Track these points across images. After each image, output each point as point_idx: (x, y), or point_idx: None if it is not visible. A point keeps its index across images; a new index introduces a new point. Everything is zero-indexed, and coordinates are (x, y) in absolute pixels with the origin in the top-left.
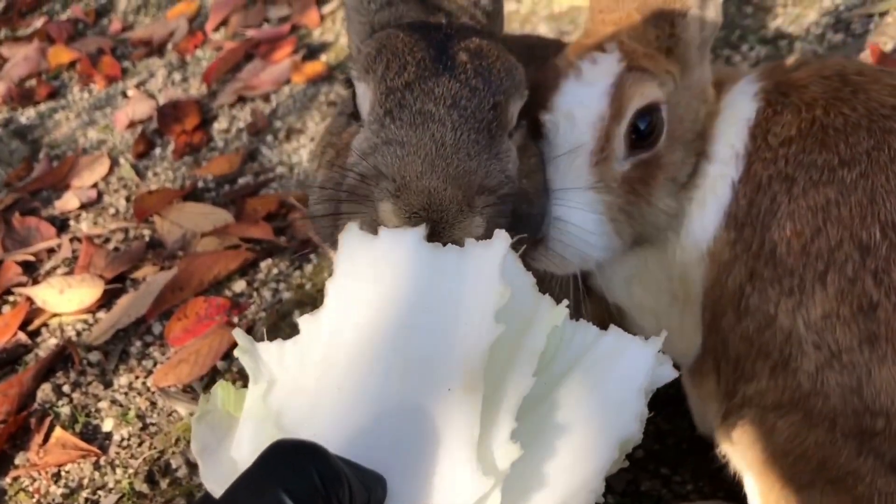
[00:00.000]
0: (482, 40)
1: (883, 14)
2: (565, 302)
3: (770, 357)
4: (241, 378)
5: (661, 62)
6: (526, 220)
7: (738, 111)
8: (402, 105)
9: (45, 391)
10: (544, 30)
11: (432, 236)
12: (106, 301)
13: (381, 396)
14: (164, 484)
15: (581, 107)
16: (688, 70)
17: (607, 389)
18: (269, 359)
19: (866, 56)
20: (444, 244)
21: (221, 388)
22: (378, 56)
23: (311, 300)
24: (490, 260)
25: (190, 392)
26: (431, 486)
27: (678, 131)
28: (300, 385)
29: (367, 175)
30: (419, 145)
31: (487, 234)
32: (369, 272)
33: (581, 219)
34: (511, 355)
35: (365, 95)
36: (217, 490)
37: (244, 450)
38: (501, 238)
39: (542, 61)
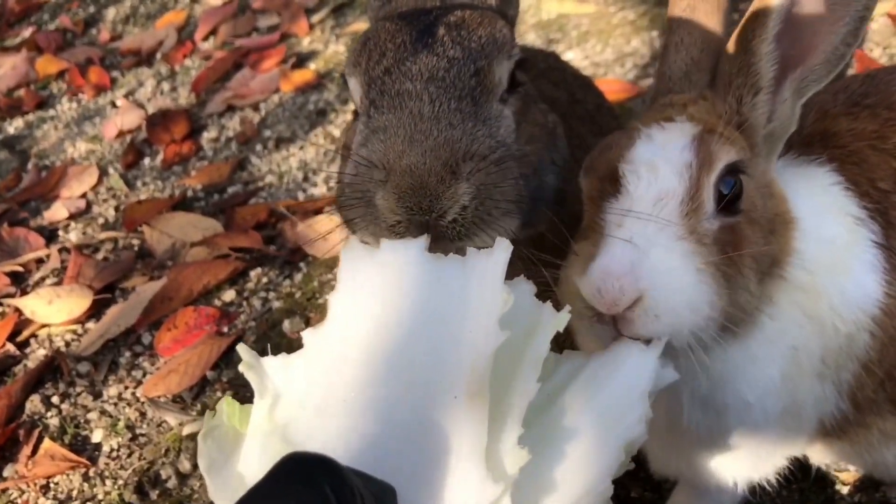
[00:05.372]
0: (465, 11)
1: (869, 20)
2: (567, 308)
3: None
4: (232, 388)
5: (735, 133)
6: (536, 190)
7: (818, 186)
8: (383, 91)
9: (33, 402)
10: (532, 37)
11: (422, 213)
12: (95, 311)
13: (389, 406)
14: (153, 495)
15: (664, 157)
16: (754, 156)
17: (611, 394)
18: (274, 373)
19: (852, 62)
20: (435, 217)
21: (227, 404)
22: (363, 49)
23: (301, 309)
24: (492, 267)
25: (180, 402)
26: (441, 493)
27: (752, 211)
28: (306, 398)
29: (360, 170)
30: (399, 125)
31: (483, 208)
32: (372, 284)
33: (679, 273)
34: (515, 362)
35: (355, 89)
36: None
37: (252, 465)
38: (502, 246)
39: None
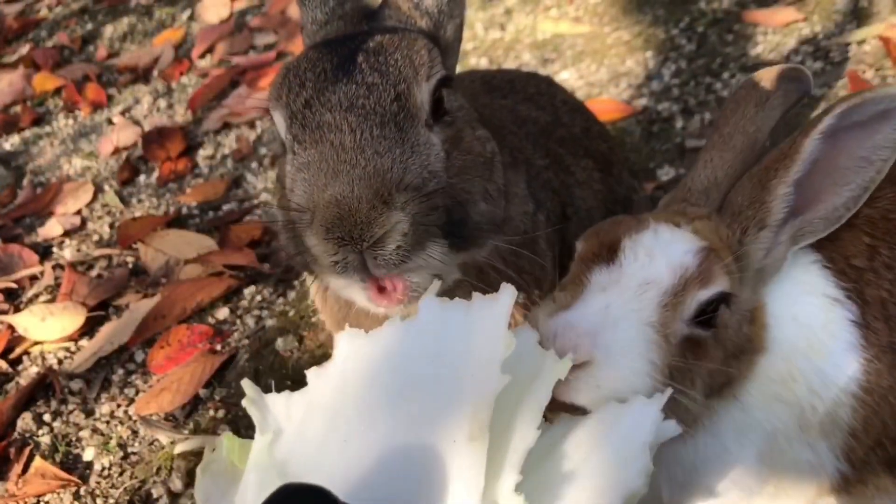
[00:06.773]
0: (385, 36)
1: (861, 42)
2: (570, 356)
3: None
4: (225, 406)
5: (731, 261)
6: (460, 223)
7: (794, 273)
8: (305, 125)
9: (25, 420)
10: (528, 58)
11: (353, 243)
12: (88, 329)
13: (388, 448)
14: None
15: (665, 251)
16: (742, 286)
17: (613, 444)
18: (276, 410)
19: (845, 83)
20: (369, 246)
21: (227, 439)
22: (283, 81)
23: (295, 327)
24: (495, 312)
25: (172, 421)
26: None
27: (723, 336)
28: (306, 436)
29: (293, 216)
30: (321, 160)
31: (417, 235)
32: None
33: (633, 357)
34: (516, 407)
35: (280, 124)
36: None
37: (248, 500)
38: (508, 291)
39: (498, 92)
